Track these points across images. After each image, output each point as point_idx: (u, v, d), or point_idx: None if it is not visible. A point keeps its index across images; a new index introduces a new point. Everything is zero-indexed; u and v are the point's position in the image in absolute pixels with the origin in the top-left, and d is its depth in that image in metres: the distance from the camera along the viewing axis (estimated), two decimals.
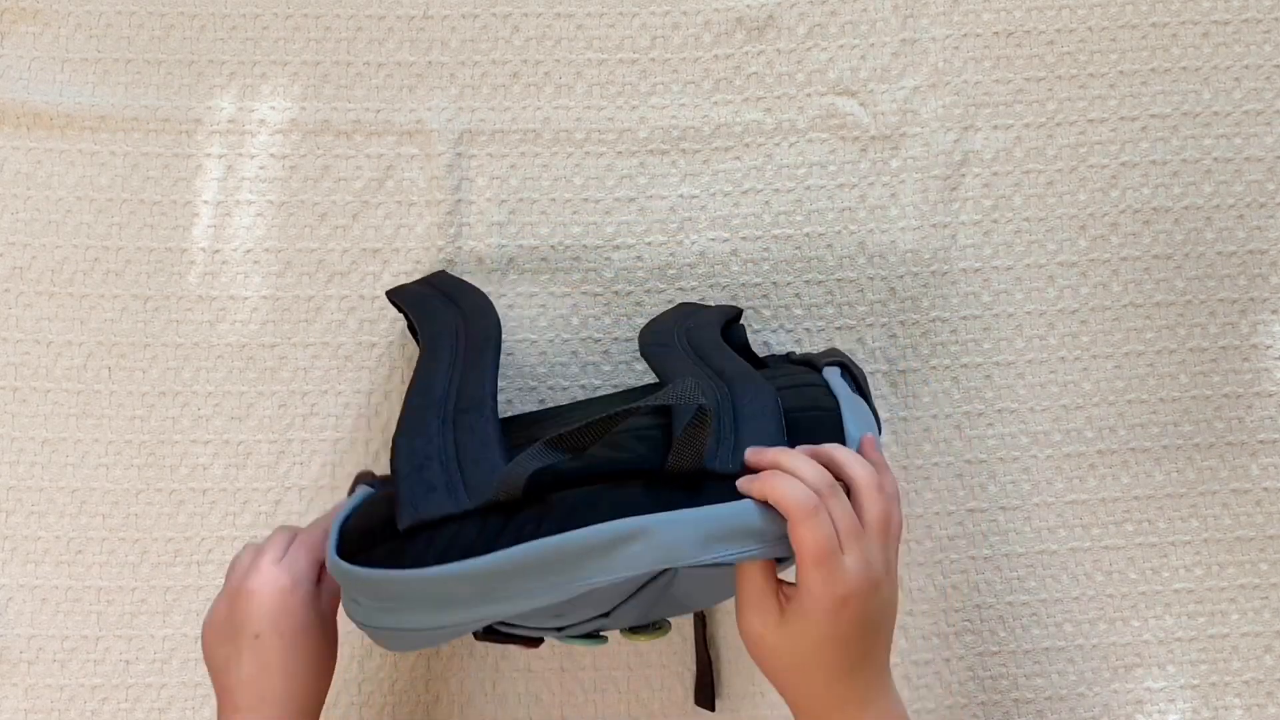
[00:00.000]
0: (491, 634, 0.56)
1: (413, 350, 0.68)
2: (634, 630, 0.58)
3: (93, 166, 0.68)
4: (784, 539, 0.46)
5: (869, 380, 0.68)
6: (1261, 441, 0.69)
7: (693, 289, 0.68)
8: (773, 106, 0.69)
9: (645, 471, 0.48)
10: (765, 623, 0.47)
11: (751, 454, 0.48)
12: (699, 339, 0.58)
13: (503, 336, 0.67)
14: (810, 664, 0.47)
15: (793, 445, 0.49)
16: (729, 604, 0.66)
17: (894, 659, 0.67)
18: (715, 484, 0.47)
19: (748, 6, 0.69)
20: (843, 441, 0.50)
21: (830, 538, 0.45)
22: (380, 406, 0.68)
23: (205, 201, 0.68)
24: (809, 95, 0.69)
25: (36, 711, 0.66)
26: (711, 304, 0.67)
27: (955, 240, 0.69)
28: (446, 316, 0.59)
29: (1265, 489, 0.69)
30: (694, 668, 0.66)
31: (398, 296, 0.63)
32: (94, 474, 0.67)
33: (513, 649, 0.66)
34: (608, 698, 0.67)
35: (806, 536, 0.45)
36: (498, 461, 0.49)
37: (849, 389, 0.53)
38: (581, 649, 0.67)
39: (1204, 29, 0.70)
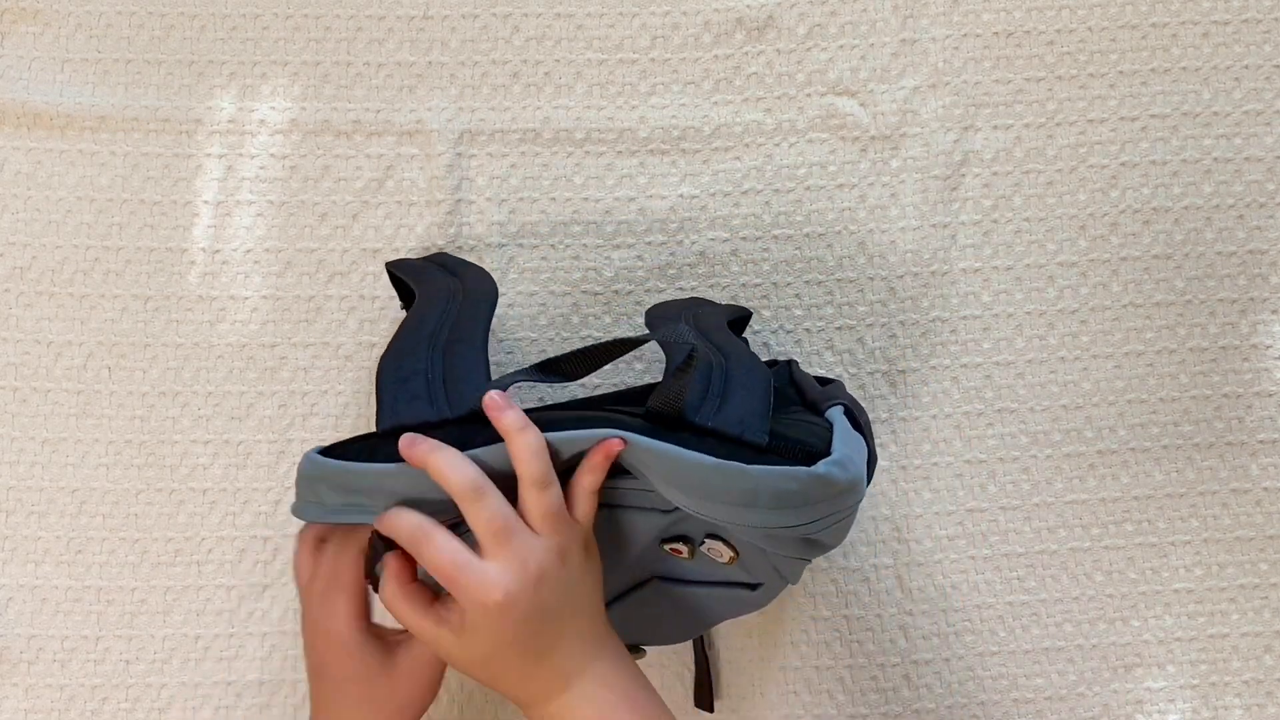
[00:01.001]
0: None
1: None
2: None
3: (93, 166, 0.68)
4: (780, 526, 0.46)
5: (871, 396, 0.68)
6: (1261, 441, 0.69)
7: (693, 289, 0.68)
8: (773, 106, 0.69)
9: (626, 410, 0.49)
10: (437, 634, 0.47)
11: (406, 440, 0.47)
12: (705, 324, 0.58)
13: (505, 335, 0.68)
14: (494, 665, 0.47)
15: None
16: None
17: (894, 659, 0.67)
18: (690, 435, 0.47)
19: (748, 6, 0.69)
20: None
21: (458, 552, 0.45)
22: None
23: (205, 201, 0.68)
24: (809, 95, 0.69)
25: (36, 711, 0.66)
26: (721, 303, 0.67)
27: (955, 240, 0.69)
28: (443, 280, 0.59)
29: (1265, 489, 0.69)
30: (693, 668, 0.66)
31: (396, 267, 0.63)
32: (94, 474, 0.67)
33: None
34: None
35: (430, 556, 0.45)
36: (483, 383, 0.49)
37: (848, 425, 0.53)
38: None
39: (1204, 29, 0.70)
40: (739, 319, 0.63)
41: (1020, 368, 0.69)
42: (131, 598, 0.67)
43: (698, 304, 0.64)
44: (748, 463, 0.45)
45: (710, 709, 0.66)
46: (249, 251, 0.68)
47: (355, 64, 0.69)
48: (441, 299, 0.56)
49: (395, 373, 0.50)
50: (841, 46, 0.69)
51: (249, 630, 0.67)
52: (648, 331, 0.60)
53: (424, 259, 0.65)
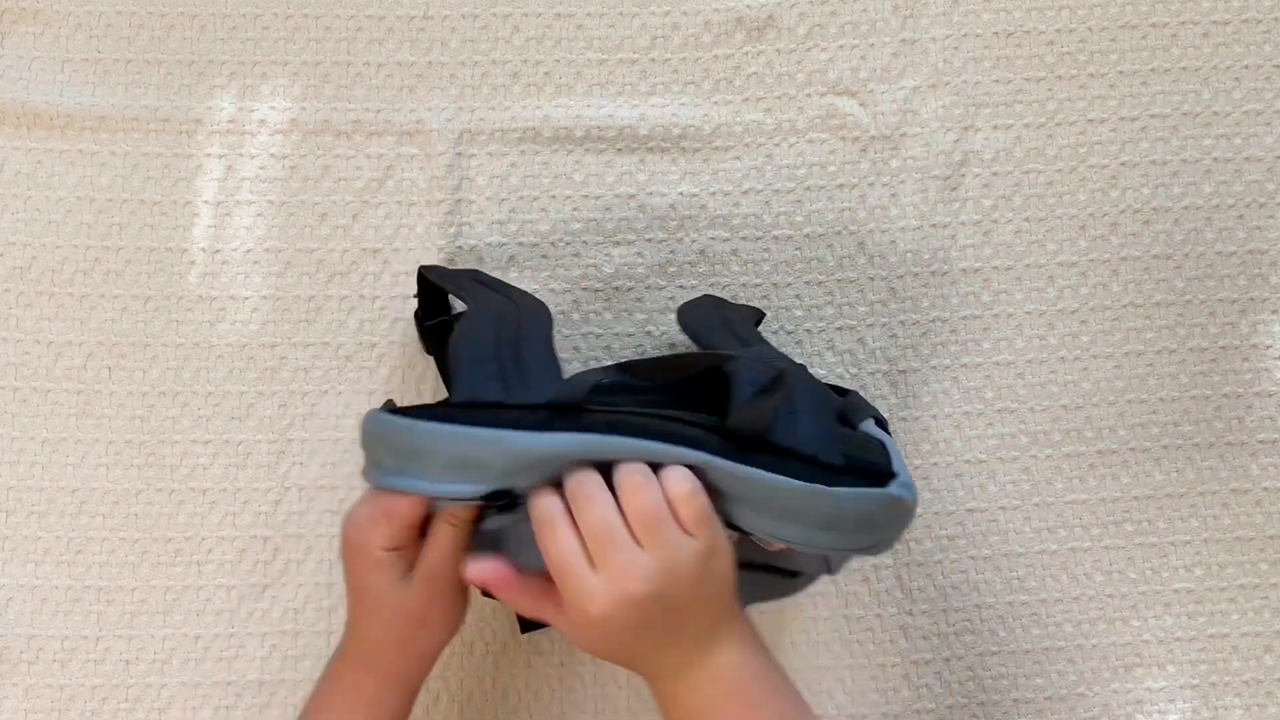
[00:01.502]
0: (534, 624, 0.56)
1: (414, 352, 0.68)
2: None
3: (93, 166, 0.68)
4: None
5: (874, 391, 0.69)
6: (1261, 441, 0.69)
7: (693, 287, 0.68)
8: (773, 106, 0.69)
9: (705, 424, 0.48)
10: (556, 621, 0.48)
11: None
12: (742, 332, 0.59)
13: None
14: (614, 652, 0.49)
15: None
16: None
17: (894, 659, 0.67)
18: (770, 456, 0.47)
19: (748, 6, 0.69)
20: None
21: (569, 555, 0.45)
22: None
23: (205, 201, 0.68)
24: (809, 95, 0.69)
25: (36, 711, 0.66)
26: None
27: (955, 240, 0.69)
28: (490, 294, 0.59)
29: (1265, 489, 0.69)
30: None
31: (435, 274, 0.62)
32: (94, 474, 0.67)
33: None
34: (608, 692, 0.67)
35: (547, 549, 0.46)
36: (556, 374, 0.49)
37: (894, 442, 0.53)
38: None
39: (1204, 29, 0.70)
40: (757, 321, 0.64)
41: (1020, 368, 0.69)
42: (131, 598, 0.67)
43: (722, 305, 0.64)
44: (828, 484, 0.45)
45: None
46: (249, 251, 0.68)
47: (355, 64, 0.69)
48: (497, 304, 0.56)
49: (471, 351, 0.50)
50: (841, 46, 0.69)
51: (249, 630, 0.67)
52: (680, 322, 0.61)
53: (460, 271, 0.64)
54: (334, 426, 0.67)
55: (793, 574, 0.56)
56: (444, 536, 0.50)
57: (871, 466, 0.48)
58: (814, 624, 0.68)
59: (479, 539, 0.52)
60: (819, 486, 0.45)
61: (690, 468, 0.46)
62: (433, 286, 0.62)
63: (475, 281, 0.62)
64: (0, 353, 0.67)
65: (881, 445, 0.51)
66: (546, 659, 0.67)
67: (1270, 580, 0.69)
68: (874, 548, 0.49)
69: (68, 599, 0.66)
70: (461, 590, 0.52)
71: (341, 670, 0.54)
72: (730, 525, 0.50)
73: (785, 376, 0.48)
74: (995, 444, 0.69)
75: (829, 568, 0.56)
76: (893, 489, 0.46)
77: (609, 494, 0.45)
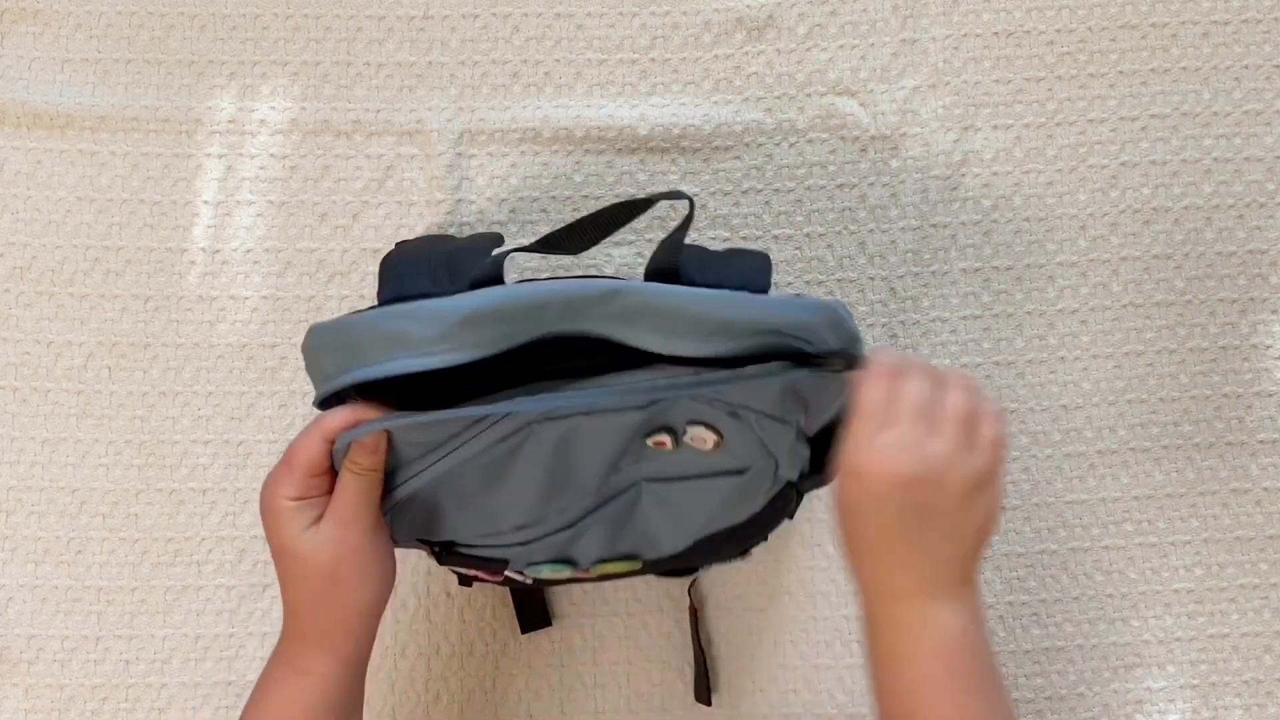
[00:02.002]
0: (452, 554, 0.55)
1: None
2: (603, 561, 0.57)
3: (93, 166, 0.68)
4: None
5: None
6: (1261, 441, 0.69)
7: None
8: (773, 106, 0.69)
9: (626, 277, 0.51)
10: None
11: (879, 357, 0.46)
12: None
13: None
14: (861, 532, 0.46)
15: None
16: (719, 597, 0.67)
17: None
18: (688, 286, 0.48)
19: (748, 6, 0.69)
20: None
21: (883, 402, 0.44)
22: None
23: (205, 201, 0.68)
24: (809, 95, 0.69)
25: (36, 711, 0.66)
26: None
27: (955, 240, 0.69)
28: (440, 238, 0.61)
29: (1265, 489, 0.69)
30: (693, 664, 0.66)
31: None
32: (94, 474, 0.67)
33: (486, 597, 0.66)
34: (607, 692, 0.67)
35: (869, 388, 0.45)
36: (485, 261, 0.51)
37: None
38: (553, 575, 0.60)
39: (1204, 29, 0.70)
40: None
41: (1020, 368, 0.69)
42: (131, 598, 0.67)
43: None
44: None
45: (709, 703, 0.66)
46: (249, 251, 0.68)
47: (355, 64, 0.69)
48: (437, 238, 0.58)
49: (399, 265, 0.52)
50: (841, 46, 0.69)
51: (249, 630, 0.67)
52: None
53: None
54: None
55: (740, 471, 0.54)
56: (349, 484, 0.49)
57: (799, 297, 0.50)
58: (814, 624, 0.68)
59: (410, 504, 0.52)
60: (743, 294, 0.47)
61: (610, 294, 0.46)
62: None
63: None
64: (0, 353, 0.67)
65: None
66: (546, 659, 0.67)
67: (1270, 580, 0.69)
68: (811, 375, 0.48)
69: (68, 599, 0.66)
70: (378, 547, 0.51)
71: (279, 644, 0.53)
72: (657, 428, 0.50)
73: (693, 203, 0.50)
74: None
75: (770, 453, 0.54)
76: (828, 299, 0.48)
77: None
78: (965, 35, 0.70)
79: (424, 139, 0.68)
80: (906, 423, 0.44)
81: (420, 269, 0.51)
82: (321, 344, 0.48)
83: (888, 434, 0.44)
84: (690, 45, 0.69)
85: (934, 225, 0.69)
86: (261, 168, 0.68)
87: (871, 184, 0.69)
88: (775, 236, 0.69)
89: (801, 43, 0.69)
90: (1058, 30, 0.70)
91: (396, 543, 0.53)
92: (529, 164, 0.69)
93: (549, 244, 0.52)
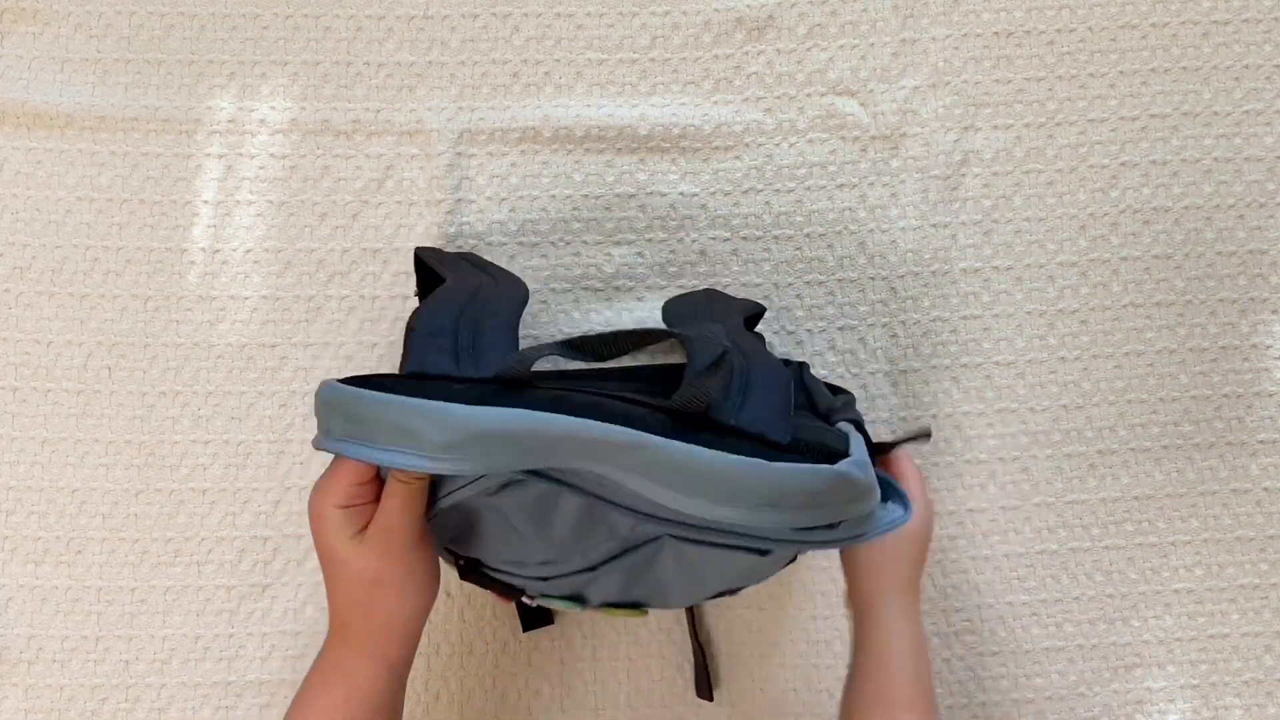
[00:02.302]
0: (473, 572, 0.56)
1: None
2: (611, 606, 0.57)
3: (93, 166, 0.68)
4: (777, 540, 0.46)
5: (874, 381, 0.69)
6: (1261, 441, 0.69)
7: (693, 287, 0.68)
8: (773, 106, 0.69)
9: (650, 403, 0.48)
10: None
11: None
12: (724, 320, 0.58)
13: None
14: (903, 567, 0.59)
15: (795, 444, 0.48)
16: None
17: None
18: (712, 435, 0.46)
19: (748, 6, 0.69)
20: None
21: (916, 476, 0.60)
22: None
23: (205, 201, 0.68)
24: (809, 95, 0.69)
25: (36, 711, 0.66)
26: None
27: (955, 240, 0.69)
28: (475, 273, 0.59)
29: (1265, 489, 0.69)
30: (693, 660, 0.67)
31: (426, 254, 0.63)
32: (94, 474, 0.67)
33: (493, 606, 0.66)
34: (608, 690, 0.67)
35: (908, 473, 0.60)
36: (510, 352, 0.49)
37: (861, 439, 0.52)
38: (566, 611, 0.63)
39: (1204, 29, 0.70)
40: (753, 315, 0.64)
41: (1020, 368, 0.69)
42: (131, 598, 0.67)
43: (714, 298, 0.64)
44: (769, 460, 0.45)
45: (710, 698, 0.66)
46: (249, 251, 0.68)
47: (355, 64, 0.69)
48: (474, 283, 0.56)
49: (427, 327, 0.51)
50: (841, 46, 0.69)
51: (249, 630, 0.67)
52: (663, 325, 0.60)
53: (455, 253, 0.65)
54: None
55: (762, 552, 0.55)
56: (394, 493, 0.50)
57: (822, 447, 0.47)
58: (814, 623, 0.68)
59: (452, 513, 0.52)
60: (758, 461, 0.44)
61: (627, 447, 0.45)
62: (429, 269, 0.63)
63: (463, 260, 0.62)
64: (0, 353, 0.67)
65: (844, 436, 0.50)
66: (547, 658, 0.67)
67: (1270, 580, 0.69)
68: (828, 532, 0.47)
69: (68, 599, 0.66)
70: (422, 556, 0.51)
71: (324, 646, 0.54)
72: (677, 524, 0.49)
73: (729, 356, 0.48)
74: (995, 444, 0.69)
75: (798, 549, 0.54)
76: (841, 466, 0.45)
77: None
78: (965, 35, 0.70)
79: (424, 139, 0.68)
80: (923, 488, 0.60)
81: (446, 335, 0.50)
82: (332, 402, 0.47)
83: (922, 498, 0.59)
84: (690, 45, 0.69)
85: (934, 225, 0.69)
86: (261, 168, 0.68)
87: (871, 184, 0.69)
88: (775, 237, 0.69)
89: (801, 43, 0.69)
90: (1058, 30, 0.70)
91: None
92: (529, 164, 0.69)
93: (579, 347, 0.51)
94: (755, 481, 0.45)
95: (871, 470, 0.48)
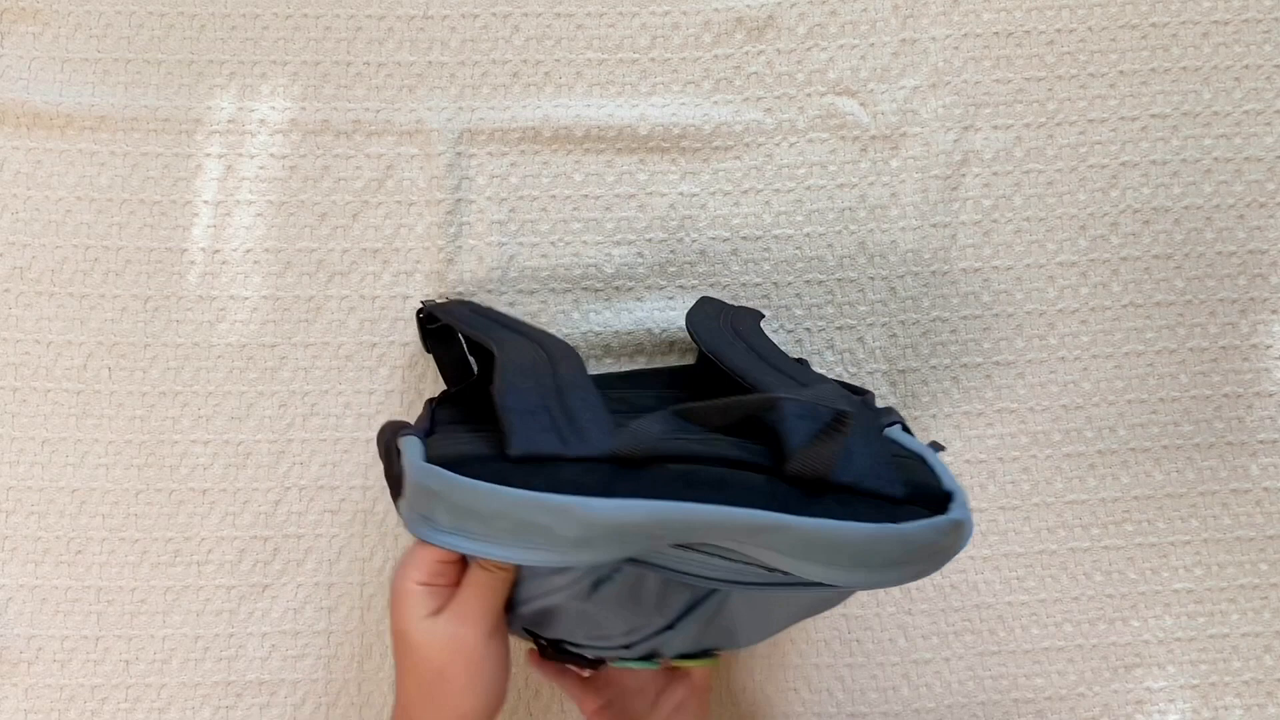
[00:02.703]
0: (556, 652, 0.54)
1: (415, 351, 0.68)
2: (684, 657, 0.56)
3: (93, 166, 0.68)
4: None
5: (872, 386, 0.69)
6: (1261, 441, 0.69)
7: (693, 287, 0.68)
8: (773, 106, 0.69)
9: (764, 466, 0.45)
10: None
11: None
12: (752, 340, 0.57)
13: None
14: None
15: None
16: None
17: (893, 658, 0.67)
18: (834, 499, 0.44)
19: (748, 6, 0.69)
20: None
21: None
22: (380, 406, 0.68)
23: (205, 201, 0.68)
24: (809, 95, 0.69)
25: (36, 711, 0.66)
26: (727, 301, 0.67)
27: (955, 240, 0.69)
28: (512, 335, 0.56)
29: (1265, 489, 0.69)
30: None
31: (444, 314, 0.60)
32: (94, 474, 0.67)
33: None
34: None
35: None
36: (609, 426, 0.46)
37: (933, 452, 0.51)
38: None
39: (1204, 29, 0.70)
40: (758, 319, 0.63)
41: (1020, 368, 0.69)
42: (131, 598, 0.67)
43: (725, 312, 0.62)
44: (893, 520, 0.43)
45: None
46: (249, 251, 0.68)
47: (355, 64, 0.69)
48: (529, 352, 0.53)
49: (521, 400, 0.47)
50: (841, 46, 0.69)
51: (249, 630, 0.67)
52: (688, 326, 0.60)
53: (459, 305, 0.62)
54: (334, 426, 0.67)
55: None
56: (475, 580, 0.47)
57: (928, 490, 0.46)
58: (813, 622, 0.68)
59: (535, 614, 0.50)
60: (888, 527, 0.43)
61: (769, 529, 0.43)
62: (434, 321, 0.61)
63: (482, 317, 0.60)
64: (0, 353, 0.67)
65: (923, 460, 0.49)
66: None
67: (1270, 580, 0.69)
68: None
69: (68, 599, 0.66)
70: (494, 651, 0.48)
71: None
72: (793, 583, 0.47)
73: (848, 418, 0.45)
74: (995, 444, 0.69)
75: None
76: (954, 513, 0.44)
77: None
78: (965, 35, 0.70)
79: (424, 139, 0.68)
80: None
81: (542, 413, 0.46)
82: (439, 491, 0.43)
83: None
84: (690, 45, 0.69)
85: (934, 225, 0.69)
86: (261, 168, 0.68)
87: (871, 184, 0.69)
88: (775, 236, 0.69)
89: (801, 43, 0.69)
90: (1058, 30, 0.70)
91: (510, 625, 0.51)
92: (529, 164, 0.69)
93: (688, 417, 0.47)
94: (890, 546, 0.43)
95: (965, 495, 0.47)
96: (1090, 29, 0.70)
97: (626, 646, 0.53)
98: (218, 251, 0.68)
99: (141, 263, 0.68)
